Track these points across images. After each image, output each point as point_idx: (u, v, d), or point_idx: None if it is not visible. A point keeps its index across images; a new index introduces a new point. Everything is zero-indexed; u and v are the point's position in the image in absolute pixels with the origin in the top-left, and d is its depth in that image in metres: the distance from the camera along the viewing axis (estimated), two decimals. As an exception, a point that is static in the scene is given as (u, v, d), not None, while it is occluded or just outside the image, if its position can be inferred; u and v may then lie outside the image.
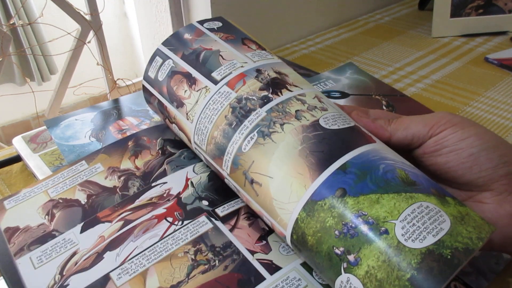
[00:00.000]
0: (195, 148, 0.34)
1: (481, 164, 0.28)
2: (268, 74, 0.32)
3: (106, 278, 0.29)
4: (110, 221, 0.33)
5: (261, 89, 0.31)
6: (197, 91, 0.33)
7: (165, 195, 0.35)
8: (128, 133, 0.43)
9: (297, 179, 0.26)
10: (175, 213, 0.33)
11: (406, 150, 0.31)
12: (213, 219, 0.33)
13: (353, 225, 0.24)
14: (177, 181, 0.36)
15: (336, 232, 0.25)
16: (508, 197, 0.27)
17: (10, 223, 0.33)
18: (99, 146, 0.41)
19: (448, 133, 0.29)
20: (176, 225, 0.32)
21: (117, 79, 0.89)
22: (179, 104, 0.34)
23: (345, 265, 0.24)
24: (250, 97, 0.30)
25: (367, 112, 0.32)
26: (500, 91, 0.57)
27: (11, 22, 1.11)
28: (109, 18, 1.62)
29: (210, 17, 0.64)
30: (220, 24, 0.37)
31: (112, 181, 0.37)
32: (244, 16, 0.67)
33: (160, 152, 0.39)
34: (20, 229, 0.33)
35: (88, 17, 0.77)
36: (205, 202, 0.34)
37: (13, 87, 1.56)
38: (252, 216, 0.33)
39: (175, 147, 0.40)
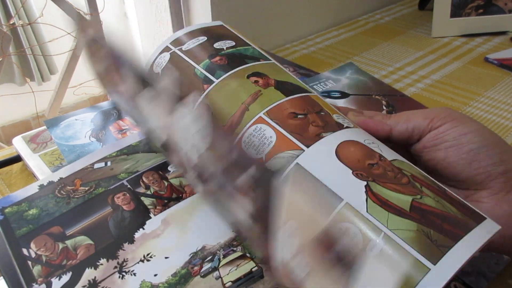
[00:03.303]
0: None
1: (481, 160, 0.28)
2: None
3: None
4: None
5: None
6: None
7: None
8: (128, 133, 0.43)
9: None
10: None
11: (405, 145, 0.31)
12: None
13: None
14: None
15: None
16: (505, 196, 0.27)
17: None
18: (99, 146, 0.41)
19: (448, 127, 0.29)
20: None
21: (117, 79, 0.89)
22: None
23: None
24: None
25: (362, 113, 0.33)
26: (500, 91, 0.57)
27: (11, 22, 1.11)
28: (109, 18, 1.62)
29: (210, 17, 0.64)
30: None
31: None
32: (244, 16, 0.67)
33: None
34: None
35: (88, 17, 0.77)
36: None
37: (13, 87, 1.56)
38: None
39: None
